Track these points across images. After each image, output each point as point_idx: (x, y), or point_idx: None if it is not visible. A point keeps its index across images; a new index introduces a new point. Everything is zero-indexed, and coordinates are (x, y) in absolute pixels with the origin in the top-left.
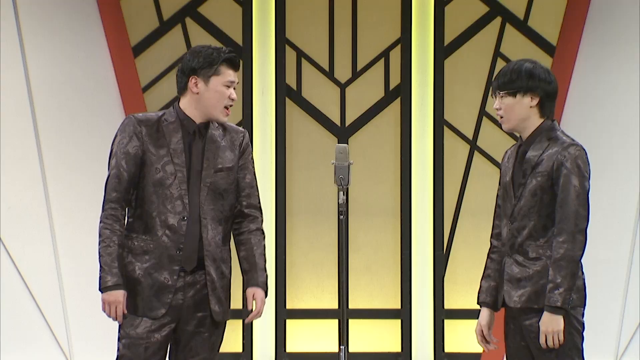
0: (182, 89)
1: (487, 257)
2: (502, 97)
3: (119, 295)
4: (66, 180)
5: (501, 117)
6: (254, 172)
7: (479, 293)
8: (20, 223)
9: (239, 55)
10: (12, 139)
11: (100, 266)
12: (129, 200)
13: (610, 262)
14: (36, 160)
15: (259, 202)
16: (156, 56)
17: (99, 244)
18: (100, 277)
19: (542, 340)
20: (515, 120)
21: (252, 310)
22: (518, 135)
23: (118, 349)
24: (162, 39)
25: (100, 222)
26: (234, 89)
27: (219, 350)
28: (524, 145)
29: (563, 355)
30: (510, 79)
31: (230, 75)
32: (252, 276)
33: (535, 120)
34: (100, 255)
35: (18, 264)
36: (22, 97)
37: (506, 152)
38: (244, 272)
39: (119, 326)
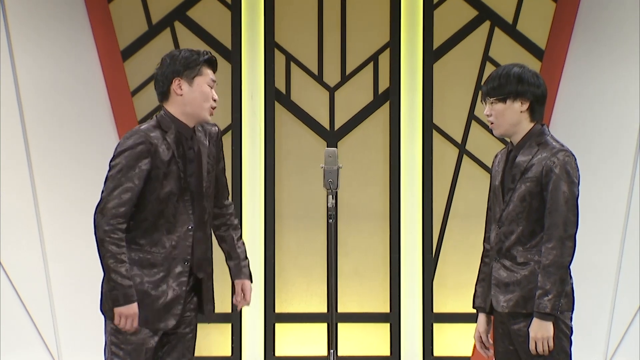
0: (165, 94)
1: (481, 261)
2: (492, 103)
3: (135, 307)
4: (55, 184)
5: (492, 123)
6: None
7: (474, 298)
8: (8, 227)
9: (217, 58)
10: (1, 143)
11: (114, 282)
12: (132, 213)
13: (599, 265)
14: (25, 165)
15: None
16: (145, 60)
17: (107, 259)
18: (115, 294)
19: (531, 346)
20: (506, 126)
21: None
22: (508, 140)
23: (114, 354)
24: (151, 43)
25: (105, 236)
26: (214, 89)
27: (194, 354)
28: (514, 150)
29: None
30: (499, 85)
31: (210, 74)
32: (238, 270)
33: (525, 125)
34: (112, 271)
35: (7, 268)
36: (11, 101)
37: (496, 155)
38: (229, 263)
39: (115, 330)
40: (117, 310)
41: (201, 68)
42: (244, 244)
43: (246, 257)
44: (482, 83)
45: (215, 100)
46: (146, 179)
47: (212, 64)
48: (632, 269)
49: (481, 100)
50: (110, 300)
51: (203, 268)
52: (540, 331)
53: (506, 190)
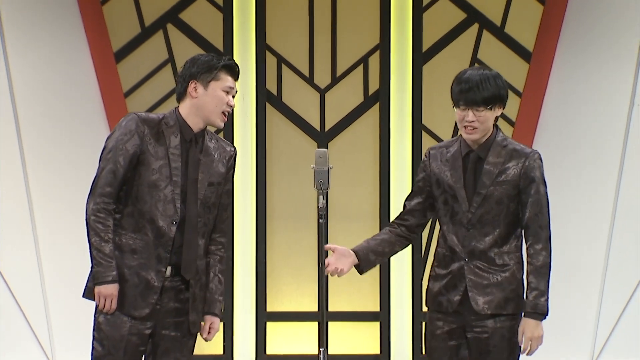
0: (182, 94)
1: (385, 228)
2: (479, 110)
3: (114, 289)
4: (49, 184)
5: (474, 129)
6: (233, 189)
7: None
8: (2, 226)
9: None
10: None
11: (96, 260)
12: (119, 197)
13: (586, 265)
14: (19, 165)
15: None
16: (138, 62)
17: (92, 237)
18: (96, 270)
19: (525, 345)
20: (486, 130)
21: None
22: (469, 141)
23: (95, 349)
24: (144, 45)
25: (91, 215)
26: (233, 96)
27: (192, 354)
28: (478, 152)
29: (518, 358)
30: (492, 93)
31: (229, 81)
32: (213, 303)
33: (491, 128)
34: (95, 249)
35: (1, 267)
36: (5, 103)
37: (430, 153)
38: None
39: (97, 326)
40: (96, 289)
41: (218, 73)
42: (224, 280)
43: (222, 294)
44: (460, 90)
45: (230, 106)
46: (134, 161)
47: (232, 70)
48: (618, 269)
49: (459, 107)
50: (92, 278)
51: (190, 272)
52: (537, 331)
53: (472, 193)
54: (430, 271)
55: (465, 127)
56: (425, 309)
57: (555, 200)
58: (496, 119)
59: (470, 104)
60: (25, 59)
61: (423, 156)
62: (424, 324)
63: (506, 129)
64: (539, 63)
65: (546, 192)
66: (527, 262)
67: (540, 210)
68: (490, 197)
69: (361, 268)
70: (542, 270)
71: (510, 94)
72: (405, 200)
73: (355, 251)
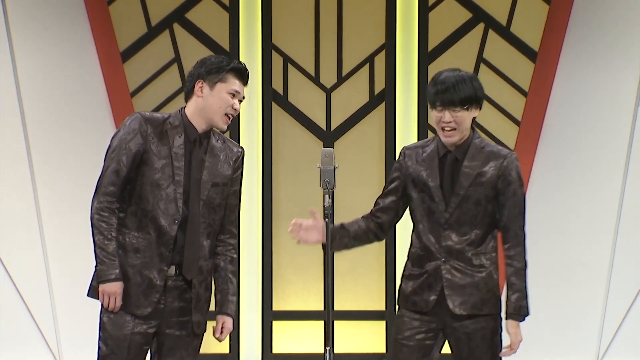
0: (189, 93)
1: (359, 218)
2: (457, 111)
3: (118, 287)
4: (55, 183)
5: (453, 130)
6: (240, 190)
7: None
8: (9, 226)
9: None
10: (2, 143)
11: (100, 259)
12: (123, 196)
13: (591, 264)
14: (26, 165)
15: (238, 221)
16: (144, 61)
17: (96, 235)
18: (99, 269)
19: (514, 347)
20: (464, 132)
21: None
22: (444, 142)
23: (100, 349)
24: (150, 44)
25: (94, 214)
26: (239, 101)
27: (198, 353)
28: (455, 153)
29: (497, 358)
30: (469, 93)
31: (236, 84)
32: (224, 303)
33: (468, 129)
34: (99, 248)
35: (8, 266)
36: (12, 102)
37: (406, 152)
38: (216, 291)
39: (101, 326)
40: (100, 287)
41: (226, 75)
42: (236, 280)
43: (234, 294)
44: (436, 91)
45: (235, 110)
46: (137, 160)
47: (241, 74)
48: (623, 268)
49: (435, 108)
50: (96, 277)
51: (192, 271)
52: (520, 333)
53: (452, 194)
54: (404, 271)
55: (443, 128)
56: None
57: (559, 200)
58: (473, 120)
59: (447, 105)
60: (32, 58)
61: (398, 155)
62: (391, 322)
63: (512, 129)
64: (545, 62)
65: (523, 194)
66: (507, 263)
67: (519, 212)
68: (468, 198)
69: (333, 249)
70: (522, 272)
71: (516, 93)
72: (379, 198)
73: (336, 229)
